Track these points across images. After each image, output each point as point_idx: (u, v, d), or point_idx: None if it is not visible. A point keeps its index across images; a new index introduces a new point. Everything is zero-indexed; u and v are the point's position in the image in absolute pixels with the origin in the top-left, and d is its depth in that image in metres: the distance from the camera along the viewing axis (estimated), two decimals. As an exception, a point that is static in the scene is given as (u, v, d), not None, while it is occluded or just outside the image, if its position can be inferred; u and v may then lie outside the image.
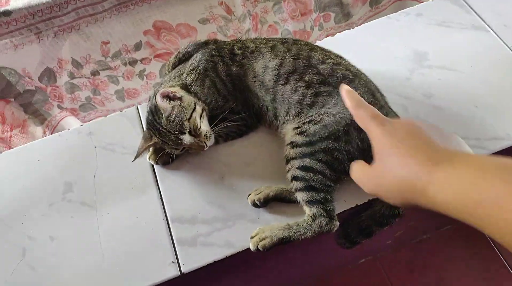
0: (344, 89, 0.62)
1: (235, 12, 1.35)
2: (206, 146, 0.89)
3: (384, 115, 0.83)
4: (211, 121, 0.92)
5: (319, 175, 0.81)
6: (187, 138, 0.87)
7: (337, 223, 0.81)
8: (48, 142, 1.02)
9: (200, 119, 0.89)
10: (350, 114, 0.81)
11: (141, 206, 0.90)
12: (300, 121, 0.87)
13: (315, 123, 0.84)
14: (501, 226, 0.38)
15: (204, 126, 0.89)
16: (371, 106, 0.60)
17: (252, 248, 0.81)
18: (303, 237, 0.80)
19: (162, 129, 0.87)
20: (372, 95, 0.87)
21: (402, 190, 0.49)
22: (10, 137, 1.47)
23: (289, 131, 0.88)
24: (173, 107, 0.86)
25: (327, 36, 1.60)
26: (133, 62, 1.45)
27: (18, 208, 0.93)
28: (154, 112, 0.88)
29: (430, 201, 0.45)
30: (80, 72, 1.41)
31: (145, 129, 0.95)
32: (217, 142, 0.95)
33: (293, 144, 0.85)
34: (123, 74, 1.48)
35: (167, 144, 0.88)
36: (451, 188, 0.43)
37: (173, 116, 0.86)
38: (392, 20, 1.11)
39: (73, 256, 0.86)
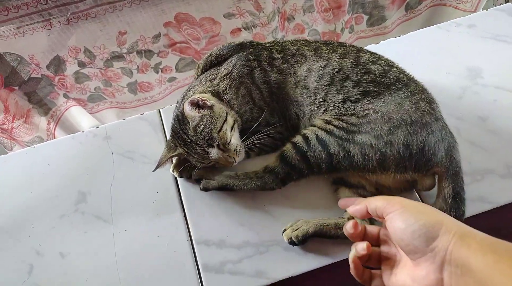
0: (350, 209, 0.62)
1: (264, 9, 1.25)
2: (235, 162, 0.80)
3: (440, 128, 0.77)
4: (242, 133, 0.83)
5: (325, 155, 0.75)
6: (214, 152, 0.78)
7: (282, 187, 0.79)
8: (59, 145, 0.92)
9: (231, 131, 0.79)
10: (402, 117, 0.74)
11: (162, 224, 0.82)
12: (339, 113, 0.78)
13: (358, 117, 0.76)
14: None
15: (235, 140, 0.80)
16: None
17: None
18: (245, 187, 0.80)
19: (188, 140, 0.78)
20: (429, 103, 0.78)
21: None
22: (12, 128, 1.37)
23: (318, 120, 0.80)
24: (202, 117, 0.77)
25: (357, 39, 1.51)
26: (149, 55, 1.34)
27: (25, 218, 0.84)
28: (181, 120, 0.79)
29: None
30: (92, 62, 1.30)
31: (169, 137, 0.86)
32: (248, 156, 0.86)
33: (326, 121, 0.78)
34: (138, 66, 1.37)
35: (192, 157, 0.79)
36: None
37: (202, 127, 0.77)
38: (442, 30, 1.01)
39: (86, 277, 0.77)
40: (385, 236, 0.60)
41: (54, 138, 1.50)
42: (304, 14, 1.38)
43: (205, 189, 0.82)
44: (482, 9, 1.43)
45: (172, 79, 1.49)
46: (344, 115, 0.78)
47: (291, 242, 0.76)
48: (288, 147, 0.78)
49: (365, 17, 1.43)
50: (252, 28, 1.33)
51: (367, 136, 0.74)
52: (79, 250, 0.80)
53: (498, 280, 0.42)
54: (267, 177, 0.79)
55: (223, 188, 0.81)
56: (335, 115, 0.78)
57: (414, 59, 0.98)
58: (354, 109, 0.77)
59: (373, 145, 0.74)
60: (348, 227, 0.59)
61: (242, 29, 1.34)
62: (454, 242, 0.46)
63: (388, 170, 0.75)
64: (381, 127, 0.74)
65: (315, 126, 0.79)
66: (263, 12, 1.26)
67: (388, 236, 0.59)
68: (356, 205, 0.60)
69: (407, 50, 1.00)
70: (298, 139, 0.78)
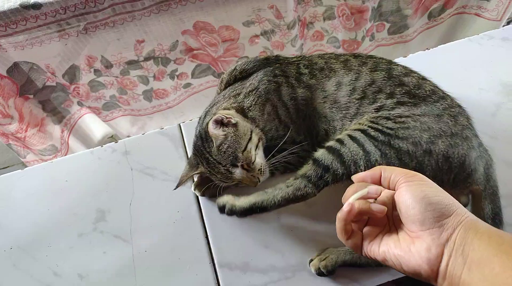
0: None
1: (285, 18, 1.21)
2: (259, 181, 0.77)
3: (479, 145, 0.74)
4: (267, 151, 0.80)
5: (361, 151, 0.69)
6: (238, 172, 0.74)
7: (316, 193, 0.72)
8: (78, 160, 0.90)
9: (255, 150, 0.76)
10: (441, 128, 0.70)
11: (183, 245, 0.79)
12: (373, 119, 0.74)
13: (395, 122, 0.71)
14: None
15: (259, 159, 0.76)
16: None
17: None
18: (276, 200, 0.73)
19: (211, 159, 0.75)
20: (467, 118, 0.75)
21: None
22: (25, 137, 1.35)
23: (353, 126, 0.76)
24: (226, 135, 0.74)
25: (377, 47, 1.47)
26: (165, 62, 1.32)
27: (42, 236, 0.81)
28: (204, 138, 0.76)
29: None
30: (108, 70, 1.28)
31: (191, 154, 0.83)
32: (272, 174, 0.83)
33: (361, 124, 0.73)
34: (154, 74, 1.35)
35: (215, 176, 0.76)
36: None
37: (226, 146, 0.74)
38: (474, 43, 0.97)
39: (105, 300, 0.75)
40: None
41: (68, 146, 1.48)
42: (324, 21, 1.35)
43: (231, 212, 0.76)
44: (508, 18, 1.38)
45: (187, 85, 1.47)
46: (379, 118, 0.73)
47: (320, 273, 0.72)
48: (320, 151, 0.73)
49: (387, 25, 1.39)
50: (272, 36, 1.30)
51: (404, 142, 0.70)
52: (98, 271, 0.77)
53: (496, 263, 0.42)
54: (299, 182, 0.72)
55: (251, 209, 0.75)
56: (370, 120, 0.74)
57: (444, 74, 0.93)
58: (389, 114, 0.73)
59: (411, 152, 0.69)
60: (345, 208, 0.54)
61: (261, 37, 1.31)
62: (464, 224, 0.47)
63: None
64: (420, 135, 0.70)
65: (348, 130, 0.74)
66: (284, 20, 1.23)
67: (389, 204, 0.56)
68: (367, 171, 0.56)
69: (437, 63, 0.96)
70: (331, 143, 0.73)
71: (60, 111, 1.44)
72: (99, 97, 1.40)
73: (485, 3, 1.39)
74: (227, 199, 0.77)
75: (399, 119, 0.72)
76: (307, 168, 0.73)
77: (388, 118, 0.73)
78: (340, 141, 0.72)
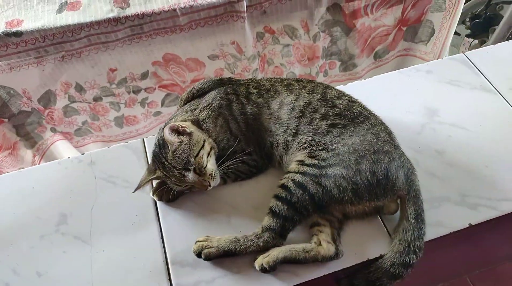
0: None
1: (245, 52, 1.36)
2: (210, 186, 0.86)
3: (399, 155, 0.86)
4: (219, 160, 0.89)
5: (307, 196, 0.80)
6: (191, 176, 0.83)
7: (283, 242, 0.82)
8: (45, 169, 0.97)
9: (207, 157, 0.86)
10: (365, 147, 0.83)
11: (140, 245, 0.85)
12: (311, 150, 0.86)
13: (327, 151, 0.84)
14: None
15: (210, 165, 0.86)
16: None
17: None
18: (248, 250, 0.80)
19: (167, 164, 0.84)
20: (388, 134, 0.88)
21: None
22: (-3, 159, 1.40)
23: (293, 163, 0.87)
24: (180, 142, 0.83)
25: (331, 82, 1.63)
26: (137, 91, 1.43)
27: (6, 237, 0.86)
28: (161, 145, 0.86)
29: None
30: (82, 96, 1.37)
31: (150, 161, 0.92)
32: (225, 182, 0.92)
33: (301, 162, 0.84)
34: (126, 101, 1.45)
35: (170, 179, 0.85)
36: None
37: (180, 152, 0.83)
38: (403, 75, 1.13)
39: (61, 296, 0.79)
40: None
41: (39, 169, 1.53)
42: (282, 58, 1.51)
43: (208, 258, 0.81)
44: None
45: (157, 113, 1.57)
46: (316, 150, 0.85)
47: (263, 269, 0.79)
48: (273, 202, 0.83)
49: (338, 63, 1.56)
50: (234, 69, 1.44)
51: (337, 168, 0.81)
52: (56, 269, 0.82)
53: None
54: (267, 235, 0.81)
55: (225, 254, 0.81)
56: (308, 153, 0.86)
57: (378, 99, 1.08)
58: (324, 144, 0.85)
59: (344, 175, 0.81)
60: None
61: (225, 70, 1.45)
62: None
63: (363, 198, 0.82)
64: (349, 158, 0.82)
65: (290, 172, 0.85)
66: (244, 55, 1.37)
67: None
68: None
69: (373, 91, 1.10)
70: (279, 191, 0.83)
71: (33, 137, 1.50)
72: (71, 122, 1.48)
73: (423, 46, 1.59)
74: (201, 245, 0.82)
75: (331, 146, 0.85)
76: (270, 221, 0.82)
77: (322, 149, 0.85)
78: (286, 188, 0.83)
